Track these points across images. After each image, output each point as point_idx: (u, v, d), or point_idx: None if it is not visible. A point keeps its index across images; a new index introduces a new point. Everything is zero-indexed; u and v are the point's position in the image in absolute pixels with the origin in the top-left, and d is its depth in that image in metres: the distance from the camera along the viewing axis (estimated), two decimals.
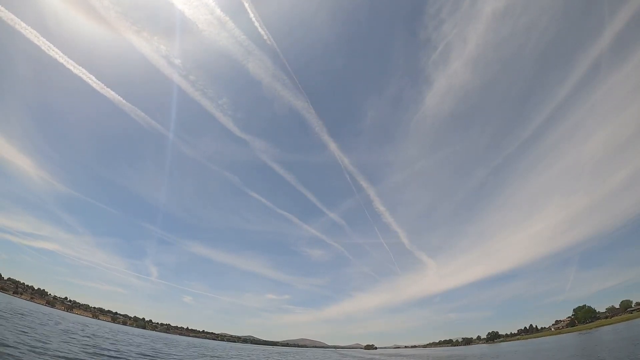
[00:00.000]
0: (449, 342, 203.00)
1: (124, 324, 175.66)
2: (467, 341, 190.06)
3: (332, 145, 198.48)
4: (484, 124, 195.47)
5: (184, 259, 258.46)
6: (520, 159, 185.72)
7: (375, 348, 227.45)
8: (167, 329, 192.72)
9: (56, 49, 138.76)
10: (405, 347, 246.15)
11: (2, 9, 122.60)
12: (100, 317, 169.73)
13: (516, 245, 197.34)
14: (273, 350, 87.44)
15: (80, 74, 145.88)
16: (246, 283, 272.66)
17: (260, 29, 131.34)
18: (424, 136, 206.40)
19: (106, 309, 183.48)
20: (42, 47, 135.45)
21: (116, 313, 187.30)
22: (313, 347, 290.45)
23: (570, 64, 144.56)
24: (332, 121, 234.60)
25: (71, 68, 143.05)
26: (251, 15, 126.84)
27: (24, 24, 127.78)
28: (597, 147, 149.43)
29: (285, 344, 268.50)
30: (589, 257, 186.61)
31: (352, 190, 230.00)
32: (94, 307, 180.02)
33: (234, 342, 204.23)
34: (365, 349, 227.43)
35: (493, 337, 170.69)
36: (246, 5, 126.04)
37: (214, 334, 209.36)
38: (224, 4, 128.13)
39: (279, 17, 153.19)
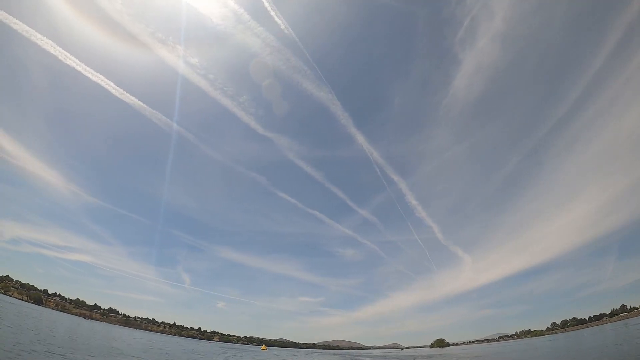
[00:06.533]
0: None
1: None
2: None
3: (360, 138, 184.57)
4: (516, 104, 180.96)
5: (216, 264, 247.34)
6: (554, 141, 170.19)
7: (448, 345, 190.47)
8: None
9: (73, 58, 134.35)
10: (456, 344, 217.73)
11: (17, 21, 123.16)
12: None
13: (553, 234, 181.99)
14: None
15: (99, 81, 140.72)
16: (279, 287, 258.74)
17: (276, 18, 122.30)
18: (454, 121, 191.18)
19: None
20: (59, 57, 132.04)
21: None
22: (349, 348, 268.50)
23: (602, 33, 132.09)
24: (358, 111, 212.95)
25: (89, 76, 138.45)
26: (266, 4, 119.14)
27: (39, 35, 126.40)
28: (635, 122, 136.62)
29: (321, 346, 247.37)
30: (629, 243, 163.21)
31: (383, 185, 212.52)
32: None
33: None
34: (435, 346, 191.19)
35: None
36: None
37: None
38: None
39: (295, 4, 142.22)
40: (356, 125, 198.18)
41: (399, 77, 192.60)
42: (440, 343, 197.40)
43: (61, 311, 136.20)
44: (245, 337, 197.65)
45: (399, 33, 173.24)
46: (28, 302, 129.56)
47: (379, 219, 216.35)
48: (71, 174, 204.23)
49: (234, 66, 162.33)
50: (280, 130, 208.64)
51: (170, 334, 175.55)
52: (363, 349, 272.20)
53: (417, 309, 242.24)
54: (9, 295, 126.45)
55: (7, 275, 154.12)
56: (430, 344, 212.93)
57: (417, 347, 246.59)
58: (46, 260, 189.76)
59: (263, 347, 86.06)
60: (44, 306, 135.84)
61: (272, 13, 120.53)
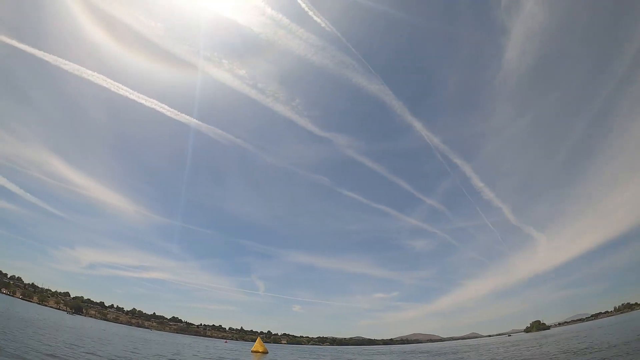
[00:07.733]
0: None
1: None
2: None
3: (417, 125, 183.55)
4: (573, 67, 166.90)
5: (288, 269, 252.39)
6: (619, 101, 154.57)
7: (547, 327, 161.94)
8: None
9: (125, 87, 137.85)
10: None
11: (66, 62, 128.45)
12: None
13: (629, 202, 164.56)
14: None
15: (153, 105, 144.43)
16: (352, 285, 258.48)
17: (315, 18, 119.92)
18: (511, 95, 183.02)
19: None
20: (112, 89, 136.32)
21: None
22: (428, 341, 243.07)
23: None
24: (412, 98, 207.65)
25: (143, 102, 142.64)
26: (303, 5, 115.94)
27: (89, 71, 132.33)
28: None
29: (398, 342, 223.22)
30: None
31: (447, 170, 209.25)
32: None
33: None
34: (534, 330, 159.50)
35: None
36: None
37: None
38: (273, 1, 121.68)
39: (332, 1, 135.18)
40: (412, 112, 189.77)
41: (448, 56, 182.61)
42: (538, 326, 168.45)
43: (101, 319, 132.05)
44: (319, 337, 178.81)
45: (441, 10, 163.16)
46: (67, 311, 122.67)
47: (447, 207, 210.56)
48: (138, 196, 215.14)
49: (282, 71, 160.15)
50: (337, 128, 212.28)
51: (233, 339, 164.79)
52: (442, 341, 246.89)
53: (494, 296, 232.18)
54: (44, 305, 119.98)
55: (67, 292, 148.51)
56: (524, 328, 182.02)
57: (467, 338, 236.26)
58: (123, 280, 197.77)
59: (257, 344, 43.05)
60: (83, 315, 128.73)
61: (311, 13, 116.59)
